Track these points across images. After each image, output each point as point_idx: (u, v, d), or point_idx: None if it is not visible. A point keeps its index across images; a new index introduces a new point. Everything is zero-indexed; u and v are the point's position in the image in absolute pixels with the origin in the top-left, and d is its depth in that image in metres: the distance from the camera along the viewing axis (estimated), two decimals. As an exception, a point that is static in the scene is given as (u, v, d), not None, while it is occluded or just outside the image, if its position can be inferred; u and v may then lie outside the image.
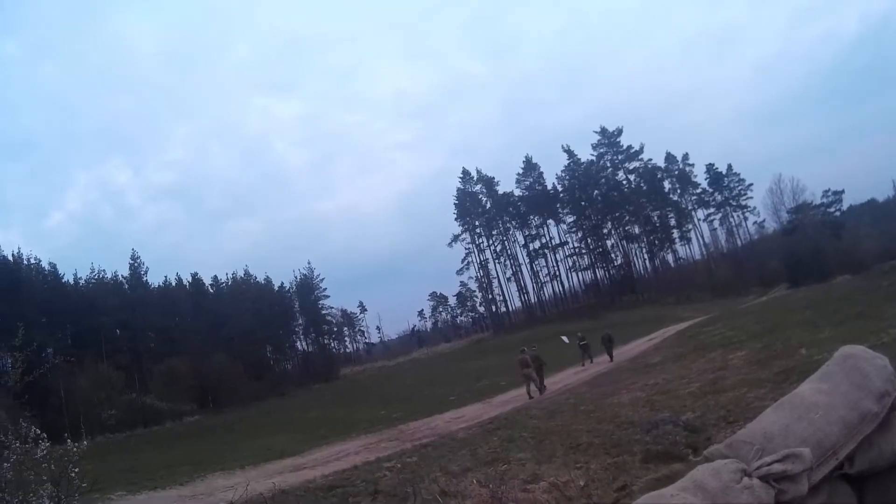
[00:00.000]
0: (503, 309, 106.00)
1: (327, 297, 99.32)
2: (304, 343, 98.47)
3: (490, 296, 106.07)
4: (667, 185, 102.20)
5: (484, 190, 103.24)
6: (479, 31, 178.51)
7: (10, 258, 65.48)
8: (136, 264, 78.64)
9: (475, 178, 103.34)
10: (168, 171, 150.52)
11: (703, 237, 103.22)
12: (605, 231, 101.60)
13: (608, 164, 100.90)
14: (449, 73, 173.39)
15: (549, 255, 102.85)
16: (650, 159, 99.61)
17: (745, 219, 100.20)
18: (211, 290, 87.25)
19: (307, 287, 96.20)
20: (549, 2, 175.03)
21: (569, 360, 32.96)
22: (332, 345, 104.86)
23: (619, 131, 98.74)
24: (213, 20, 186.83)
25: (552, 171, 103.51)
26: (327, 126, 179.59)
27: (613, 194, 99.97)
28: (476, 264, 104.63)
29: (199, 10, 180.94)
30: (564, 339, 35.94)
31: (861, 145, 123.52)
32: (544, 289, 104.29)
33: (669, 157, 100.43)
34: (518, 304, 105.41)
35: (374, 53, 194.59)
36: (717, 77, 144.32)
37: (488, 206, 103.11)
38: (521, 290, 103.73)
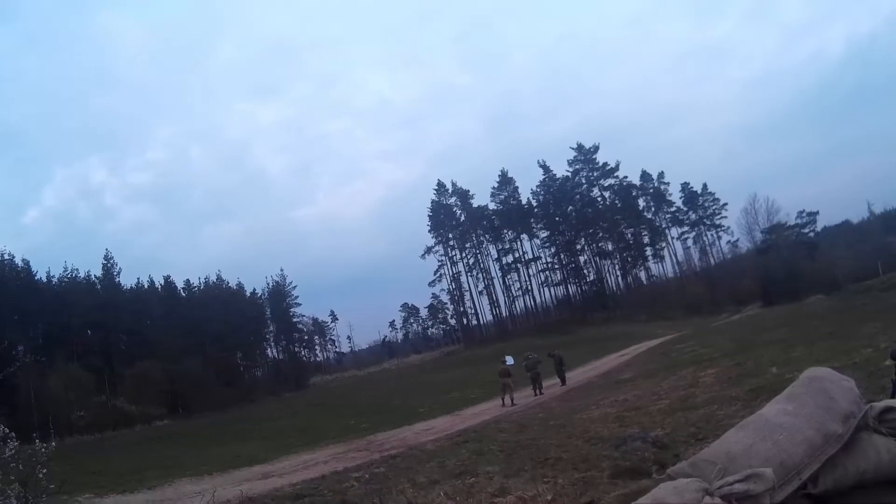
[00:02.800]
0: (474, 322, 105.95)
1: (299, 304, 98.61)
2: (274, 350, 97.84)
3: (462, 308, 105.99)
4: (641, 202, 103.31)
5: (458, 203, 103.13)
6: (466, 44, 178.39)
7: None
8: (109, 265, 77.46)
9: (450, 191, 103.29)
10: (147, 172, 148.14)
11: (676, 255, 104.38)
12: (578, 247, 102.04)
13: (583, 181, 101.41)
14: (434, 84, 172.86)
15: (521, 270, 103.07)
16: (625, 177, 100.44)
17: (719, 238, 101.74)
18: (183, 294, 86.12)
19: (279, 294, 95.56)
20: (538, 17, 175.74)
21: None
22: (303, 353, 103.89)
23: (596, 148, 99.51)
24: (200, 21, 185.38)
25: (528, 186, 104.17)
26: (309, 132, 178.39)
27: (588, 211, 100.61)
28: (448, 277, 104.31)
29: (186, 11, 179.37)
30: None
31: (837, 168, 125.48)
32: (516, 303, 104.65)
33: (645, 175, 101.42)
34: (489, 317, 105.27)
35: (358, 62, 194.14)
36: (700, 96, 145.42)
37: (462, 218, 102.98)
38: (493, 303, 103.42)
